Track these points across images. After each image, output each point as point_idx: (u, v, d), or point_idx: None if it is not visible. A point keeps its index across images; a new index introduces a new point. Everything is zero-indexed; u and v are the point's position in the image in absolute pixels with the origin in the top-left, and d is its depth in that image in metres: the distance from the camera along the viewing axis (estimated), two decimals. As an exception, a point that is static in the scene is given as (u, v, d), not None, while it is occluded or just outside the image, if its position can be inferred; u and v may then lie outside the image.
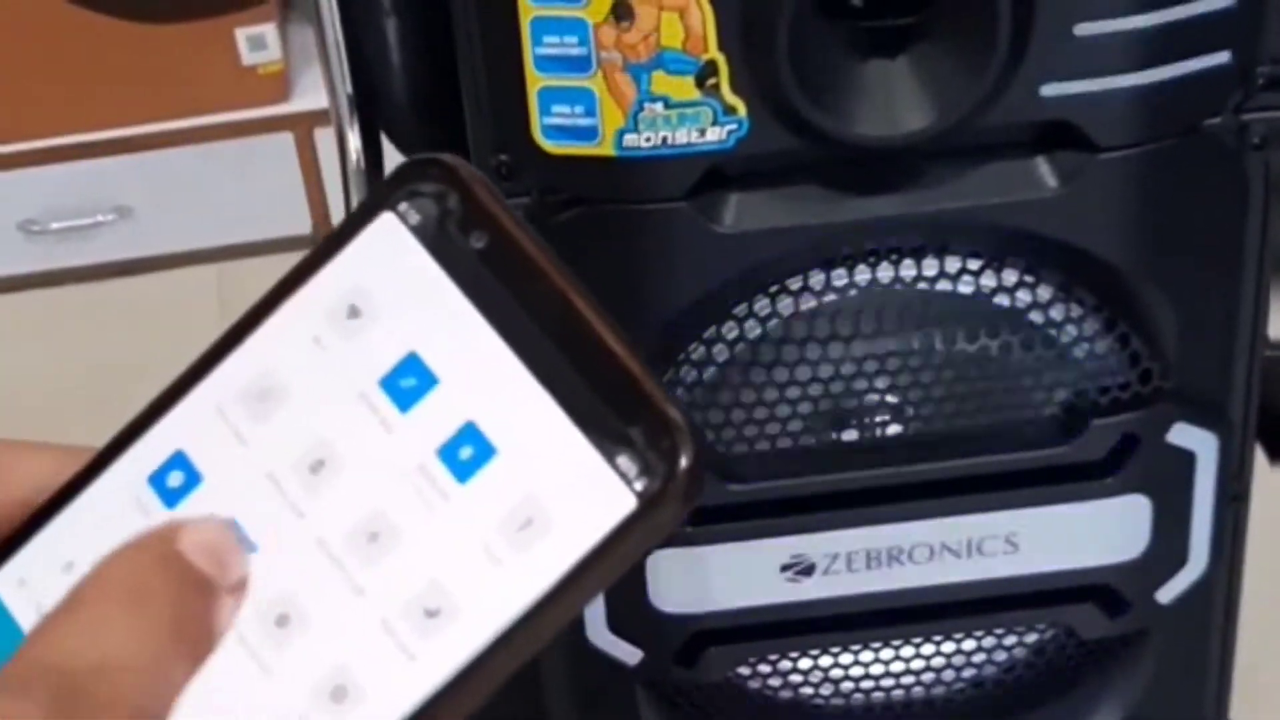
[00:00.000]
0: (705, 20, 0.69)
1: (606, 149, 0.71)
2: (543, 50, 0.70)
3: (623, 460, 0.37)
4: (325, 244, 0.40)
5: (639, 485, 0.36)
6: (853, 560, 0.81)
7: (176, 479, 0.40)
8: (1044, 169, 0.74)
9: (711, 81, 0.70)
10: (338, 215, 0.85)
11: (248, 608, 0.39)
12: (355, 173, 0.86)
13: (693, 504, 0.37)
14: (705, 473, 0.37)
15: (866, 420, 0.80)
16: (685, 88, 0.70)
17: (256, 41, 1.53)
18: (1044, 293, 0.77)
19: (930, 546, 0.82)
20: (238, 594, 0.40)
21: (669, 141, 0.71)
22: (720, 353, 0.78)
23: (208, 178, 1.60)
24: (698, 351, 0.78)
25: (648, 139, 0.71)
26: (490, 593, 0.37)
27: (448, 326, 0.39)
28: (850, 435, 0.80)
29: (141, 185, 1.62)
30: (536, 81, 0.70)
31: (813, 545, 0.81)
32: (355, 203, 0.88)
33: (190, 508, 0.40)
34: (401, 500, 0.38)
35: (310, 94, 1.54)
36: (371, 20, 0.80)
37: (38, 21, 1.46)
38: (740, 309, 0.77)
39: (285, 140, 1.58)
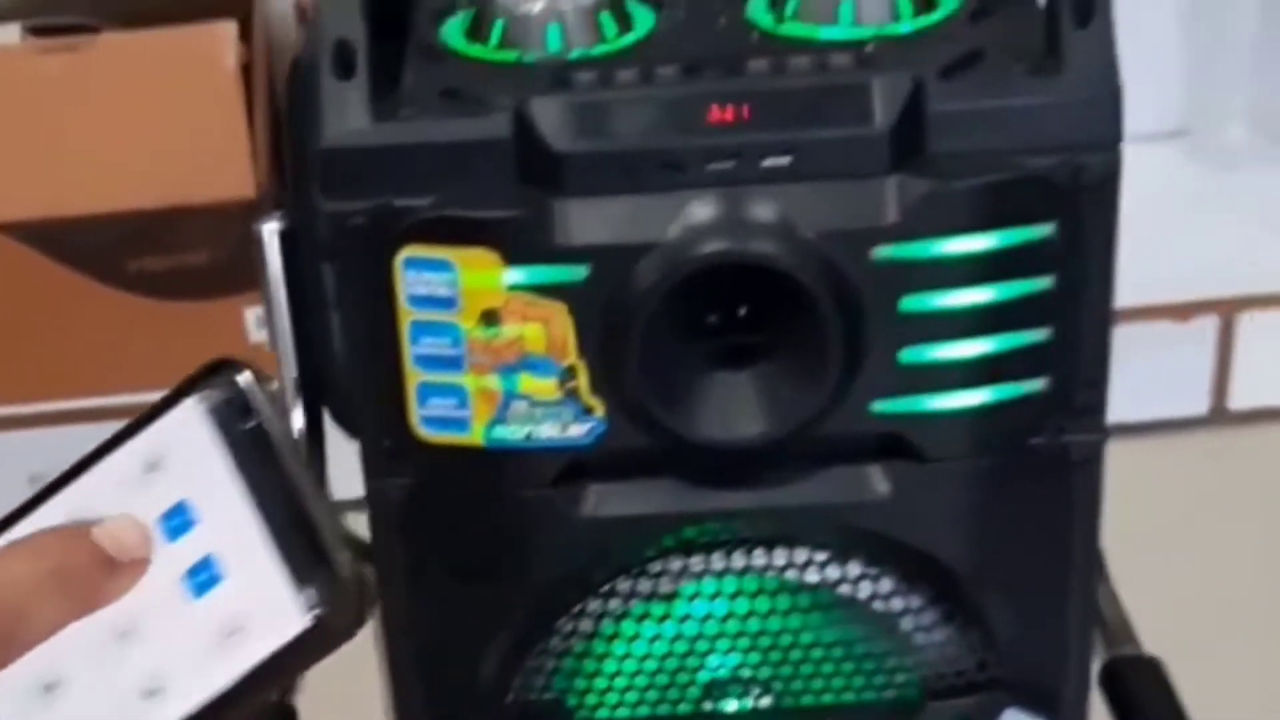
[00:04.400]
0: (567, 331, 0.77)
1: (477, 440, 0.79)
2: (420, 350, 0.78)
3: (307, 592, 0.50)
4: (144, 414, 0.55)
5: (315, 611, 0.50)
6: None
7: None
8: (877, 476, 0.81)
9: (572, 384, 0.78)
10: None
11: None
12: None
13: (353, 632, 0.51)
14: (368, 610, 0.51)
15: (720, 694, 0.86)
16: (548, 389, 0.78)
17: (264, 321, 1.64)
18: (885, 585, 0.84)
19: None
20: (135, 569, 0.53)
21: (533, 436, 0.79)
22: (586, 626, 0.84)
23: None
24: (568, 625, 0.85)
25: (514, 432, 0.79)
26: (200, 678, 0.51)
27: (214, 484, 0.53)
28: (707, 707, 0.87)
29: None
30: (415, 377, 0.78)
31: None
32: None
33: None
34: (154, 605, 0.52)
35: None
36: (318, 311, 0.88)
37: (59, 294, 1.58)
38: (606, 587, 0.84)
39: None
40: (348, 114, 0.77)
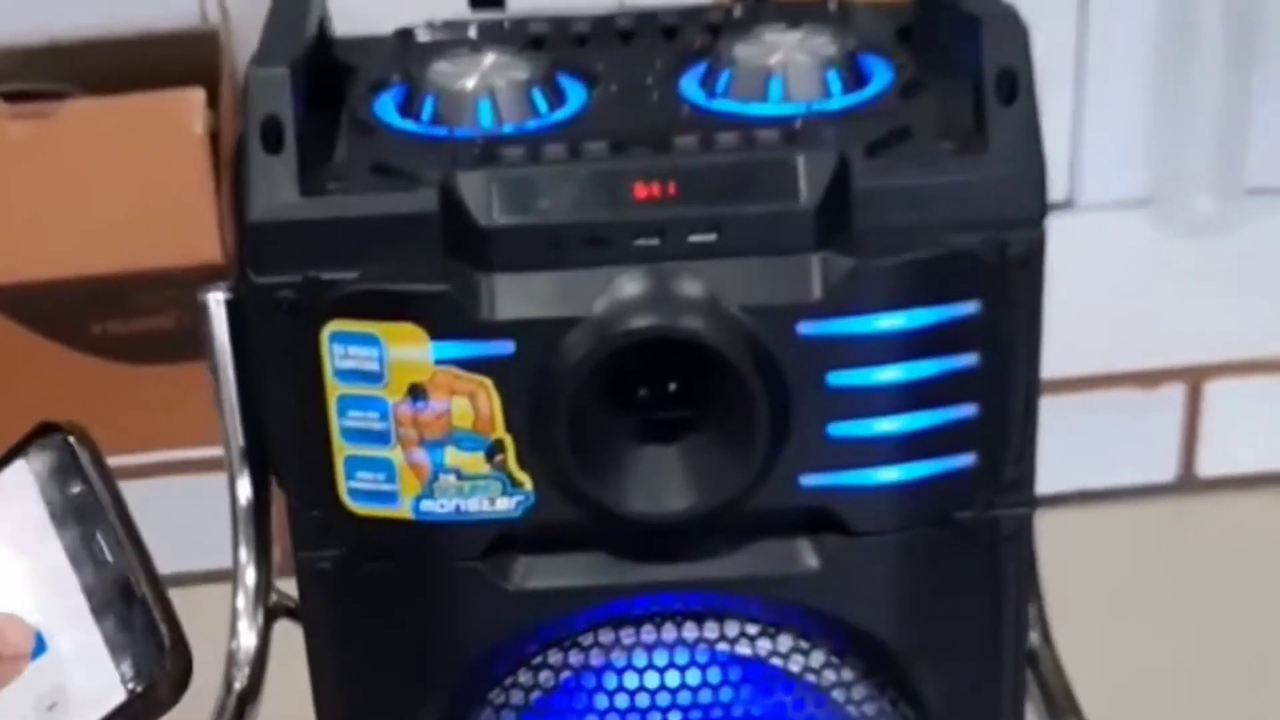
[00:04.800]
0: (494, 405, 0.77)
1: (405, 513, 0.79)
2: (348, 423, 0.78)
3: (125, 666, 0.51)
4: None
5: (131, 684, 0.51)
6: None
7: None
8: (806, 549, 0.81)
9: (500, 458, 0.78)
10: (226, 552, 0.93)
11: None
12: (243, 513, 0.93)
13: (173, 703, 0.52)
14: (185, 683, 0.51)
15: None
16: (476, 463, 0.78)
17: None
18: (817, 658, 0.84)
19: None
20: (15, 662, 0.53)
21: (462, 509, 0.79)
22: (517, 698, 0.84)
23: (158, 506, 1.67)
24: (499, 696, 0.84)
25: (443, 505, 0.79)
26: None
27: (35, 553, 0.53)
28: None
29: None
30: (343, 450, 0.79)
31: None
32: (243, 542, 0.95)
33: None
34: None
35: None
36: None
37: (23, 358, 1.58)
38: (537, 659, 0.84)
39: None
40: (275, 188, 0.77)
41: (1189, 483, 1.81)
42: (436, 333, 0.76)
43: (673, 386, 0.78)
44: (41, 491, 0.53)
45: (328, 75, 0.86)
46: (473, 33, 0.89)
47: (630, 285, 0.76)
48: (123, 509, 0.53)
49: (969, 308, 0.77)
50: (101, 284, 1.59)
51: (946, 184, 0.76)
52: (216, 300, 0.91)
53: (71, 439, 0.54)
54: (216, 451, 1.65)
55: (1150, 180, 1.89)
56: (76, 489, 0.53)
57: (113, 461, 1.68)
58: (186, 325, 1.61)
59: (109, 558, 0.52)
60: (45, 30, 1.72)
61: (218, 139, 1.60)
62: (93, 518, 0.53)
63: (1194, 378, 1.77)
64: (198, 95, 1.58)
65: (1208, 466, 1.81)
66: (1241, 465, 1.81)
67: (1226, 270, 1.84)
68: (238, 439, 0.92)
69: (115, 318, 1.60)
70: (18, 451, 0.54)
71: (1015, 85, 0.76)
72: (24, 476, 0.54)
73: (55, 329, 1.60)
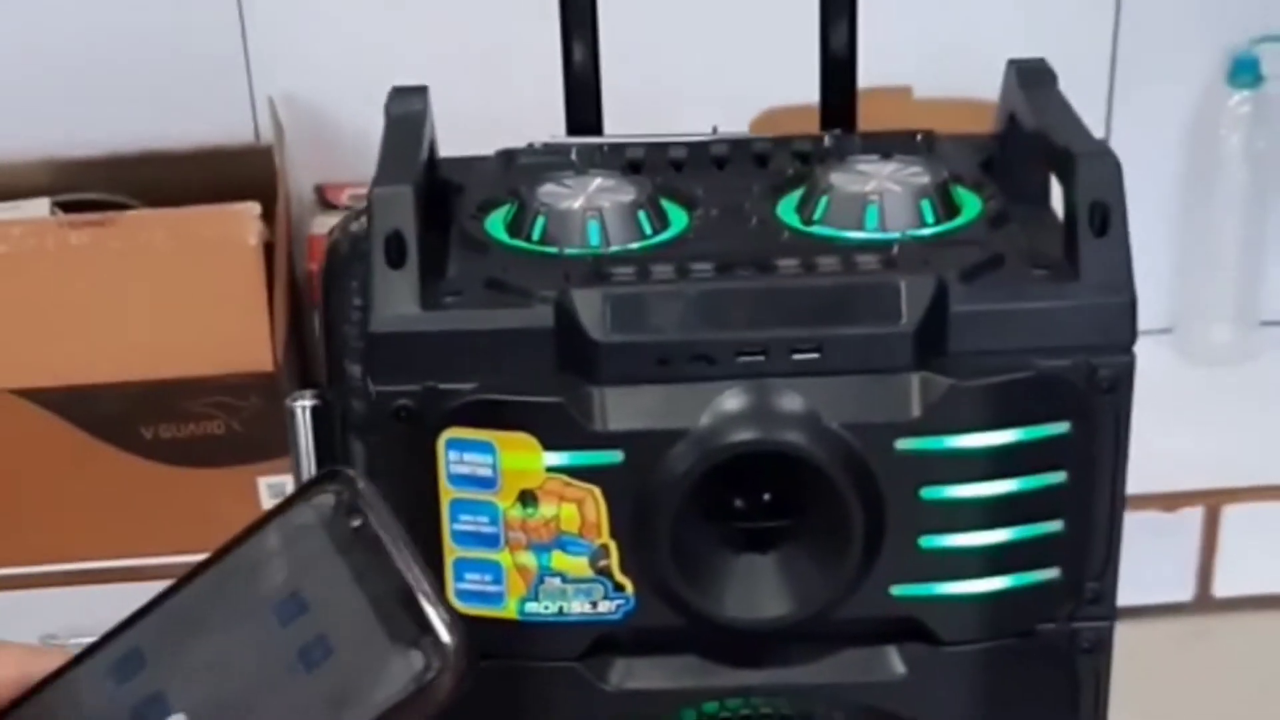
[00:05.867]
0: (600, 511, 0.80)
1: (510, 614, 0.82)
2: (459, 526, 0.81)
3: (412, 656, 0.56)
4: (261, 518, 0.60)
5: (421, 674, 0.56)
6: None
7: (131, 666, 0.59)
8: (893, 657, 0.84)
9: (603, 563, 0.81)
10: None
11: None
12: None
13: (457, 693, 0.57)
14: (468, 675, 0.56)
15: None
16: (580, 567, 0.81)
17: (277, 490, 1.68)
18: (901, 764, 0.87)
19: None
20: None
21: (565, 611, 0.82)
22: (609, 797, 0.87)
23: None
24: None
25: (547, 607, 0.82)
26: None
27: (323, 576, 0.58)
28: None
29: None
30: (453, 552, 0.82)
31: None
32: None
33: (137, 686, 0.59)
34: (270, 682, 0.57)
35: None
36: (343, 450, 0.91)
37: (75, 458, 1.62)
38: (629, 759, 0.87)
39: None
40: (397, 301, 0.81)
41: (1205, 602, 1.85)
42: (549, 442, 0.79)
43: (766, 497, 0.82)
44: (325, 527, 0.59)
45: (436, 193, 0.90)
46: (573, 155, 0.94)
47: (734, 400, 0.80)
48: (399, 531, 0.58)
49: (1059, 428, 0.80)
50: (153, 389, 1.62)
51: (1040, 310, 0.80)
52: (303, 407, 0.95)
53: (351, 477, 0.60)
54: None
55: (1171, 311, 1.94)
56: (357, 522, 0.59)
57: (158, 562, 1.73)
58: (235, 431, 1.64)
59: (396, 574, 0.57)
60: (104, 143, 1.76)
61: (272, 251, 1.64)
62: (369, 542, 0.58)
63: (1212, 502, 1.81)
64: (252, 209, 1.62)
65: (1223, 587, 1.85)
66: (1255, 586, 1.86)
67: (1243, 399, 1.88)
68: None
69: (166, 422, 1.63)
70: (300, 495, 0.60)
71: (1108, 217, 0.80)
72: (306, 516, 0.60)
73: (107, 431, 1.63)
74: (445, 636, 0.57)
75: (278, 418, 1.66)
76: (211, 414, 1.63)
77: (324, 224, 1.76)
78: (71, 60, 1.79)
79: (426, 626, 0.57)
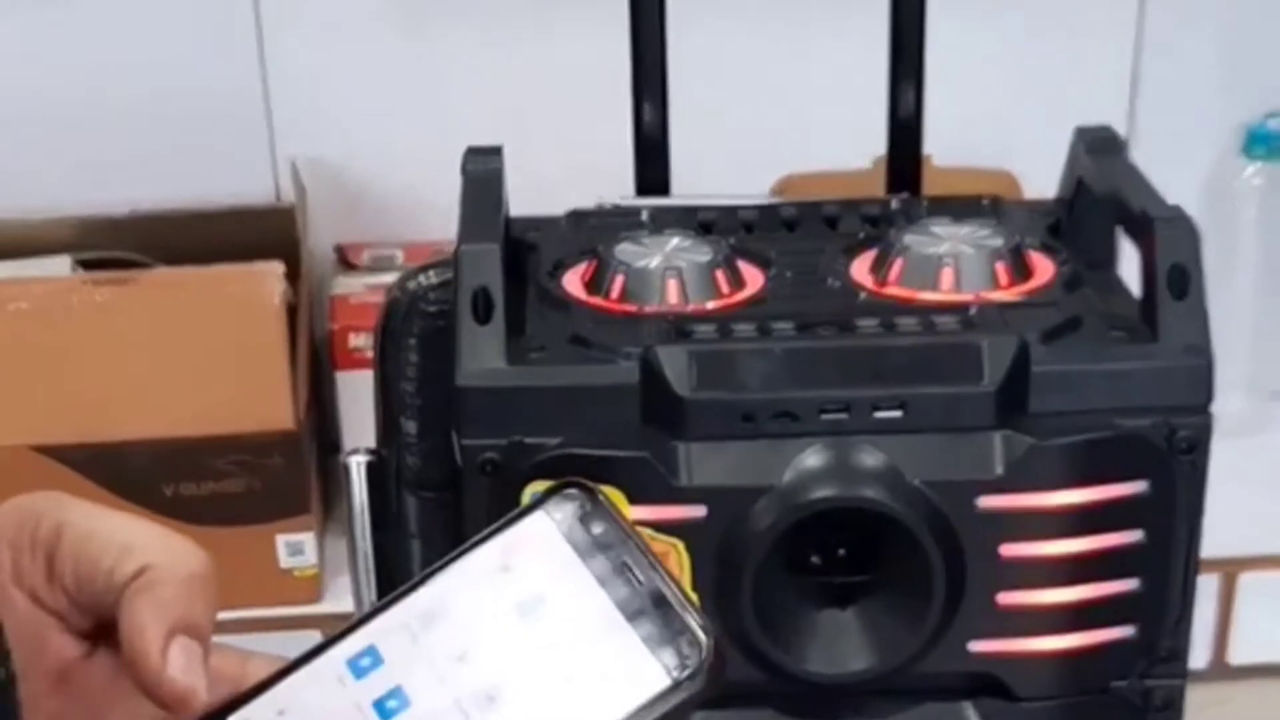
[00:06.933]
0: (683, 564, 0.81)
1: (592, 668, 0.83)
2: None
3: (667, 658, 0.56)
4: (497, 525, 0.60)
5: (675, 672, 0.56)
6: None
7: (366, 662, 0.59)
8: (969, 713, 0.85)
9: (686, 618, 0.82)
10: None
11: None
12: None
13: (711, 689, 0.55)
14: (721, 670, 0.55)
15: None
16: (663, 621, 0.82)
17: (295, 548, 1.68)
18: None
19: None
20: None
21: (646, 666, 0.82)
22: None
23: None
24: None
25: (628, 662, 0.82)
26: None
27: (566, 579, 0.58)
28: None
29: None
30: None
31: None
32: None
33: (374, 681, 0.59)
34: (516, 679, 0.58)
35: (342, 597, 1.65)
36: (399, 542, 0.92)
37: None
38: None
39: (314, 638, 1.70)
40: (484, 356, 0.82)
41: (1220, 669, 1.86)
42: (634, 496, 0.80)
43: (842, 552, 0.83)
44: (564, 534, 0.59)
45: (511, 250, 0.91)
46: (644, 216, 0.95)
47: (817, 457, 0.81)
48: (645, 543, 0.58)
49: (1137, 487, 0.81)
50: (176, 447, 1.62)
51: (1120, 370, 0.81)
52: (358, 463, 0.95)
53: (591, 488, 0.60)
54: (283, 611, 1.68)
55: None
56: (599, 529, 0.59)
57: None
58: (256, 489, 1.64)
59: (640, 578, 0.57)
60: (126, 202, 1.77)
61: (295, 311, 1.64)
62: (617, 551, 0.58)
63: (1228, 570, 1.82)
64: (276, 268, 1.63)
65: (1238, 655, 1.86)
66: (1270, 654, 1.87)
67: (1258, 470, 1.90)
68: (370, 596, 0.96)
69: (187, 480, 1.63)
70: (537, 505, 0.60)
71: (1187, 280, 0.81)
72: (544, 523, 0.59)
73: (129, 489, 1.62)
74: (702, 636, 0.57)
75: (298, 476, 1.68)
76: (233, 472, 1.63)
77: (345, 284, 1.76)
78: (94, 119, 1.79)
79: (681, 627, 0.57)
